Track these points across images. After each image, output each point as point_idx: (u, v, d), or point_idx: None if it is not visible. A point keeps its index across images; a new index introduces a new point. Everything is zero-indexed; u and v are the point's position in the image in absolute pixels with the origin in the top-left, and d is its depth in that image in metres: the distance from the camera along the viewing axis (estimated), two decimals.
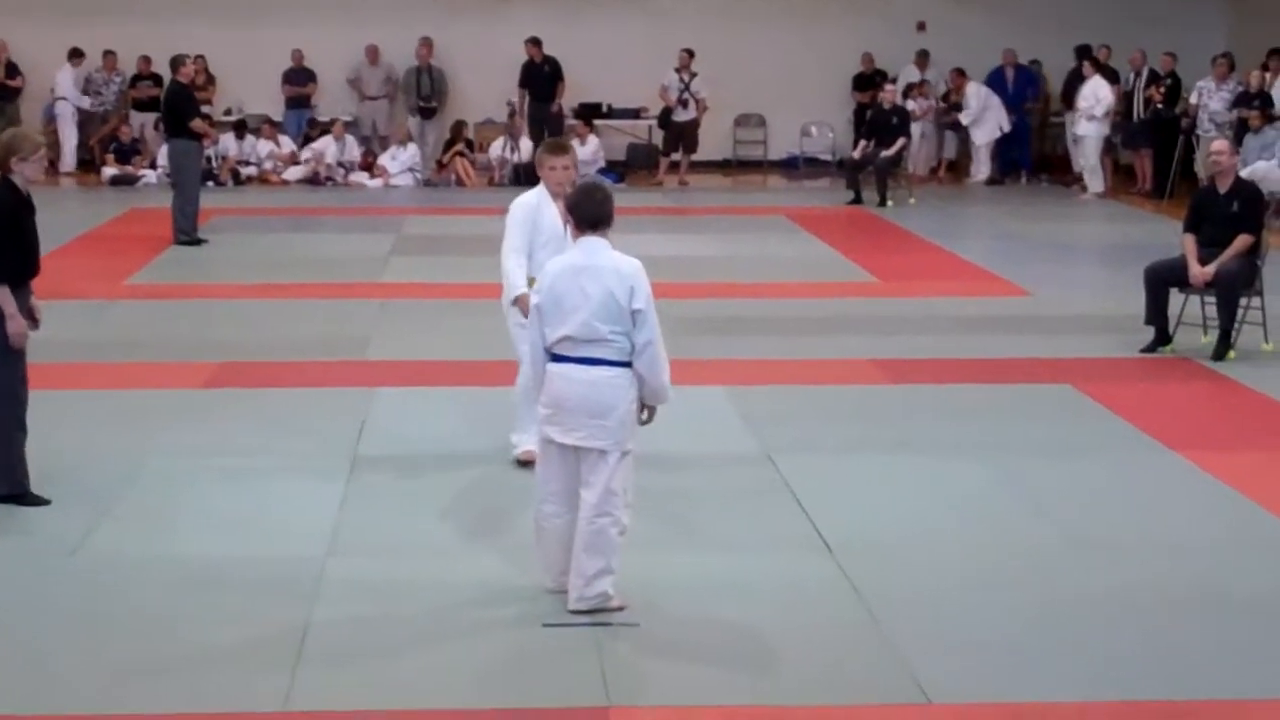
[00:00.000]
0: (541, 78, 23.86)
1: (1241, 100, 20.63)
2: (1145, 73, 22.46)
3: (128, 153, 23.52)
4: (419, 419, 10.06)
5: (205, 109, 21.39)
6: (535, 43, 23.78)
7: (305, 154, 23.70)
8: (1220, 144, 12.45)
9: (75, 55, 24.02)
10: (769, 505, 8.30)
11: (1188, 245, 11.93)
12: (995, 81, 24.34)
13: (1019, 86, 24.32)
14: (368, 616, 6.84)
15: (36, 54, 24.06)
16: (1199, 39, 23.40)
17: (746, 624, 6.82)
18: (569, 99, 24.24)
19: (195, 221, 17.39)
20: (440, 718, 5.89)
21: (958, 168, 25.14)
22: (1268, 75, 20.91)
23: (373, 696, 6.04)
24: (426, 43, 24.31)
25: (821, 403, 10.54)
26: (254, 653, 6.42)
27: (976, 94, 23.97)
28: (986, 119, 24.05)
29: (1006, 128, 23.94)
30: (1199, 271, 11.71)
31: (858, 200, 21.44)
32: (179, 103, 17.67)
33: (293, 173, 23.49)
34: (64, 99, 23.95)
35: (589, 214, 6.97)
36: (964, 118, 24.07)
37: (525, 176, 23.14)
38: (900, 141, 21.67)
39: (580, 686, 6.11)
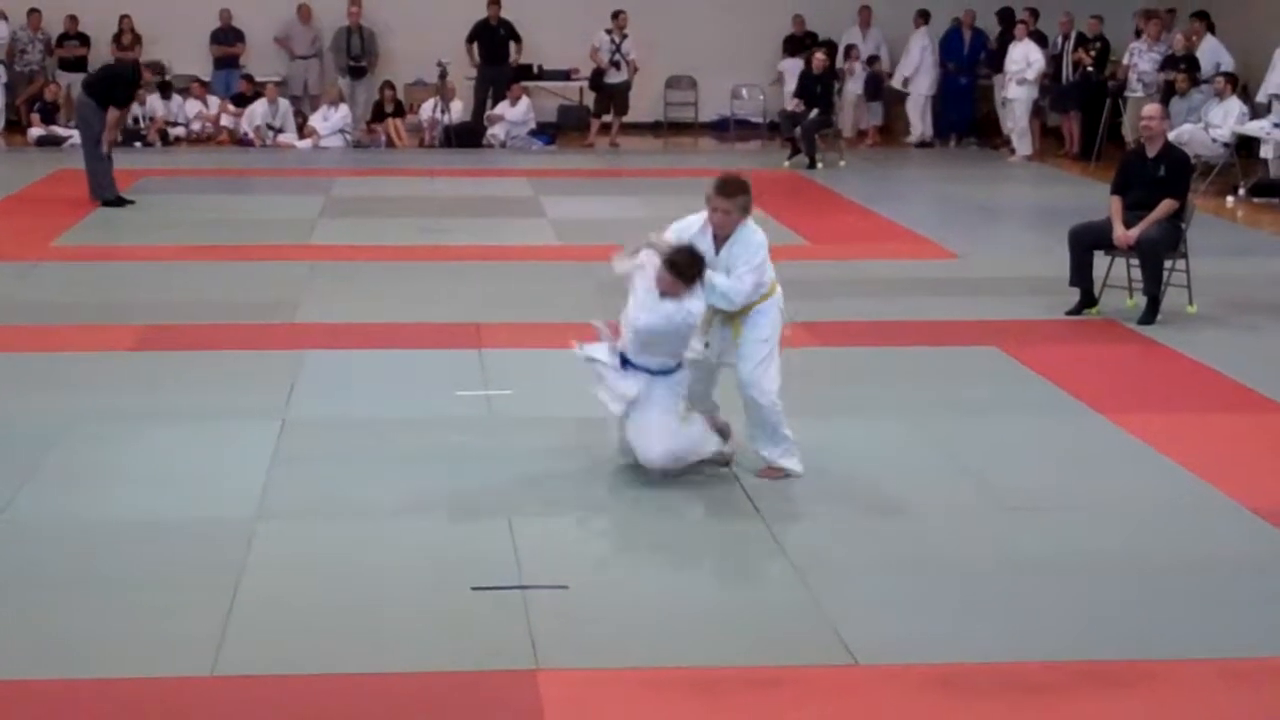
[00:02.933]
0: (496, 39, 23.79)
1: (1169, 63, 20.78)
2: (1074, 36, 22.59)
3: (53, 112, 23.30)
4: (348, 382, 10.03)
5: None
6: (495, 3, 23.70)
7: (234, 120, 23.56)
8: (1152, 108, 12.54)
9: None
10: (697, 466, 8.30)
11: (1114, 207, 12.02)
12: (952, 41, 24.39)
13: (973, 49, 24.38)
14: (296, 580, 6.83)
15: None
16: (1122, 1, 23.55)
17: (674, 586, 6.85)
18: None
19: (110, 183, 17.18)
20: (368, 681, 5.89)
21: (888, 130, 25.22)
22: (1194, 38, 21.07)
23: (300, 660, 6.04)
24: (357, 1, 24.16)
25: None
26: (182, 616, 6.39)
27: (918, 44, 24.07)
28: (923, 74, 24.16)
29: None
30: (1123, 234, 11.81)
31: (797, 151, 21.55)
32: (124, 86, 17.40)
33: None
34: None
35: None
36: (902, 69, 24.17)
37: (457, 137, 23.15)
38: (814, 112, 21.64)
39: (508, 649, 6.12)
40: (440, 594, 6.68)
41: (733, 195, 8.07)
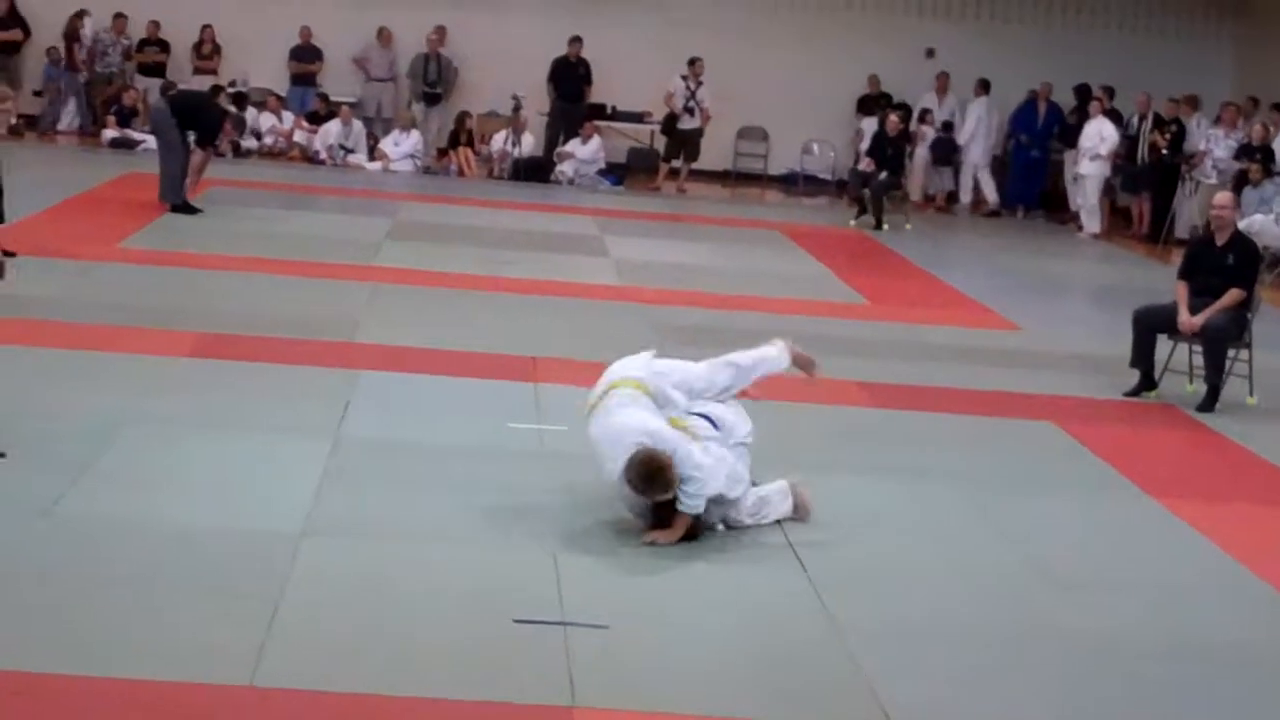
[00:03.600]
0: (573, 77, 23.94)
1: (1244, 152, 20.71)
2: (1150, 117, 22.52)
3: (129, 116, 23.50)
4: (403, 405, 10.06)
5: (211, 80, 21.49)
6: (577, 40, 23.86)
7: (307, 136, 23.72)
8: (1224, 196, 12.48)
9: (80, 15, 23.99)
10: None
11: (1180, 292, 11.95)
12: (1027, 113, 24.41)
13: (1048, 122, 24.36)
14: (338, 598, 6.84)
15: (43, 9, 24.07)
16: (1203, 84, 23.49)
17: (716, 636, 6.83)
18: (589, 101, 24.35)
19: (181, 188, 17.30)
20: (403, 704, 5.89)
21: (956, 197, 25.21)
22: (1271, 129, 21.00)
23: (338, 678, 6.03)
24: (439, 30, 24.36)
25: (805, 421, 10.53)
26: (223, 625, 6.40)
27: (974, 113, 24.06)
28: (976, 143, 24.12)
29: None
30: (1188, 320, 11.74)
31: (864, 212, 21.56)
32: (208, 121, 17.66)
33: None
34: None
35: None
36: (960, 136, 24.18)
37: (525, 171, 23.24)
38: (884, 174, 21.63)
39: (546, 684, 6.11)
40: (481, 623, 6.67)
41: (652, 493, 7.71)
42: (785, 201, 24.43)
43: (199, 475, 8.32)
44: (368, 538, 7.61)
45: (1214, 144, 21.44)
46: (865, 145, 23.05)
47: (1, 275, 8.26)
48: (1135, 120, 22.84)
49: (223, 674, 5.96)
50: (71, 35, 23.93)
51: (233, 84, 23.93)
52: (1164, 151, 22.13)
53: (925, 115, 24.52)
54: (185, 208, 17.15)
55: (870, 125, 24.05)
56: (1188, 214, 21.71)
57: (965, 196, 24.60)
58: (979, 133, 24.35)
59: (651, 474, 7.62)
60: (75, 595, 6.62)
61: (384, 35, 24.60)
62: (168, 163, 17.28)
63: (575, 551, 7.57)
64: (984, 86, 24.33)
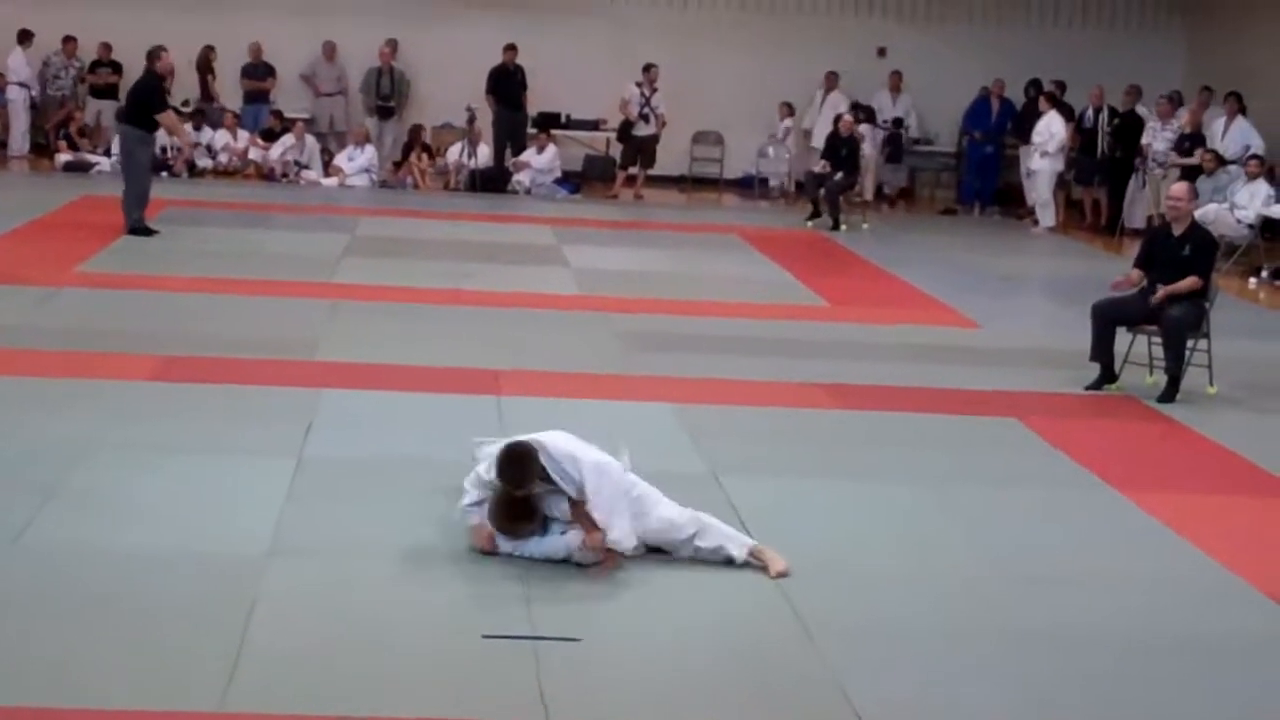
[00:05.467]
0: (513, 84, 23.91)
1: (1187, 141, 20.84)
2: (1106, 109, 22.59)
3: (81, 138, 23.41)
4: (366, 422, 10.03)
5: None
6: (511, 48, 23.85)
7: (262, 154, 23.67)
8: (1179, 188, 12.50)
9: (24, 37, 23.91)
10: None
11: (1134, 278, 12.03)
12: (980, 110, 24.47)
13: (1001, 118, 24.43)
14: (307, 618, 6.82)
15: None
16: (1155, 75, 23.60)
17: (685, 643, 6.83)
18: (529, 107, 24.30)
19: (144, 211, 17.29)
20: None
21: (911, 194, 25.27)
22: (1205, 115, 21.14)
23: (308, 701, 6.01)
24: (390, 43, 24.32)
25: (769, 424, 10.56)
26: (190, 651, 6.38)
27: (1048, 125, 22.51)
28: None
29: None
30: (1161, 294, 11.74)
31: (817, 214, 21.56)
32: (147, 94, 17.55)
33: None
34: (16, 84, 23.83)
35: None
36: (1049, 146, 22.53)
37: (482, 182, 23.23)
38: (839, 175, 21.62)
39: (517, 700, 6.10)
40: (451, 640, 6.67)
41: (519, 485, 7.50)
42: (742, 205, 24.46)
43: (163, 499, 8.28)
44: (334, 557, 7.59)
45: (1153, 137, 21.55)
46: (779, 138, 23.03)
47: None
48: (1090, 114, 22.90)
49: (192, 700, 5.94)
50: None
51: (185, 104, 23.91)
52: (1114, 147, 22.18)
53: (868, 112, 24.43)
54: (142, 229, 17.09)
55: (786, 125, 24.22)
56: (1142, 206, 21.81)
57: (1048, 219, 23.47)
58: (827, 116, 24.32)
59: (517, 457, 7.44)
60: (40, 623, 6.58)
61: (328, 49, 24.57)
62: (131, 183, 17.24)
63: (543, 565, 7.56)
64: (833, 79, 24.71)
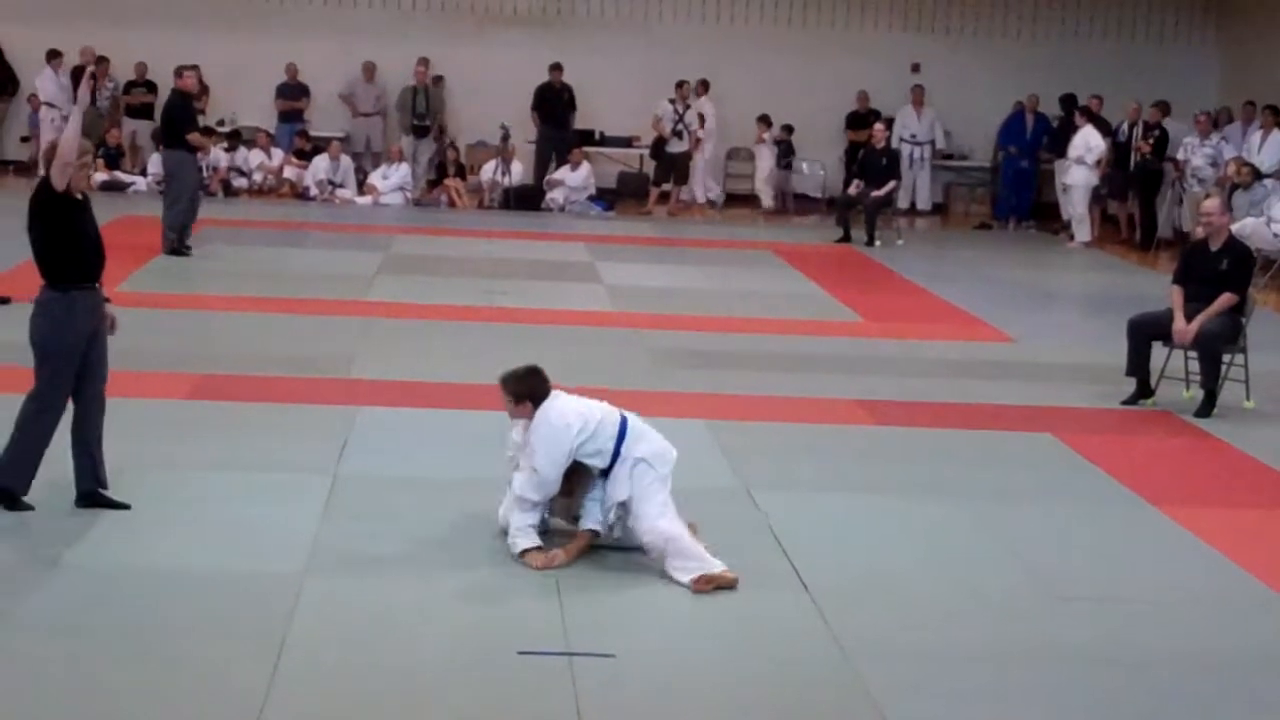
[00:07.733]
0: (558, 103, 24.02)
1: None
2: (1141, 124, 22.52)
3: (118, 159, 23.52)
4: (401, 439, 10.05)
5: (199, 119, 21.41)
6: (557, 68, 23.95)
7: (297, 172, 23.74)
8: (1211, 203, 12.44)
9: (53, 56, 24.04)
10: (747, 540, 8.28)
11: (1175, 298, 11.94)
12: (1015, 125, 24.43)
13: (1036, 132, 24.37)
14: (342, 637, 6.83)
15: (26, 57, 24.19)
16: (1190, 89, 23.55)
17: (720, 658, 6.83)
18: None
19: (186, 233, 17.40)
20: None
21: (946, 210, 25.24)
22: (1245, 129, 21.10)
23: (344, 717, 6.03)
24: (424, 62, 24.40)
25: (803, 440, 10.55)
26: (227, 670, 6.40)
27: (1085, 139, 22.27)
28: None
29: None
30: (1182, 329, 11.71)
31: (846, 238, 21.48)
32: (177, 113, 17.67)
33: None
34: (47, 104, 23.95)
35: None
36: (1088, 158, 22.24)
37: (516, 200, 23.28)
38: (890, 184, 21.68)
39: (553, 716, 6.11)
40: (486, 656, 6.67)
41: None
42: (775, 221, 24.45)
43: (201, 518, 8.31)
44: (370, 574, 7.61)
45: (1191, 152, 21.45)
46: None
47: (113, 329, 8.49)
48: (1126, 128, 22.81)
49: (229, 717, 5.95)
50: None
51: (221, 123, 24.01)
52: (1147, 157, 22.11)
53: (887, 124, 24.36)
54: (178, 249, 17.17)
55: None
56: (1173, 219, 21.72)
57: (1083, 234, 23.21)
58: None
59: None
60: (78, 643, 6.62)
61: (367, 69, 24.66)
62: (172, 205, 17.35)
63: (578, 581, 7.57)
64: (704, 86, 24.57)
